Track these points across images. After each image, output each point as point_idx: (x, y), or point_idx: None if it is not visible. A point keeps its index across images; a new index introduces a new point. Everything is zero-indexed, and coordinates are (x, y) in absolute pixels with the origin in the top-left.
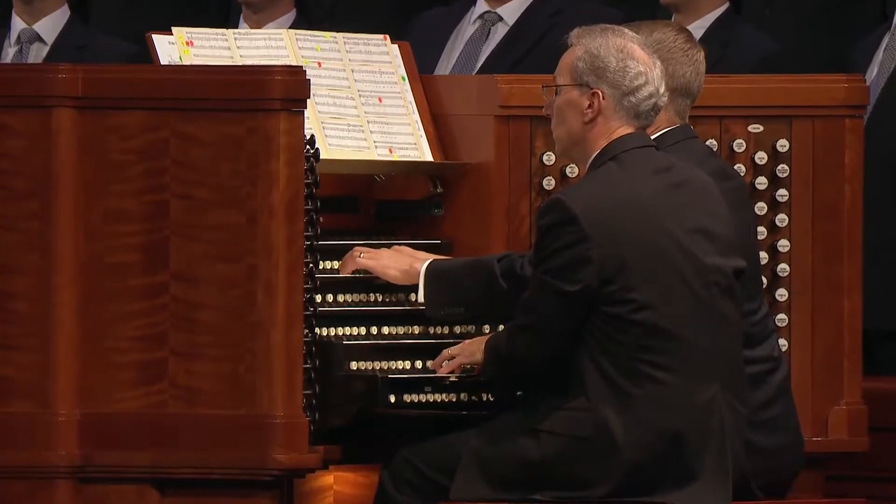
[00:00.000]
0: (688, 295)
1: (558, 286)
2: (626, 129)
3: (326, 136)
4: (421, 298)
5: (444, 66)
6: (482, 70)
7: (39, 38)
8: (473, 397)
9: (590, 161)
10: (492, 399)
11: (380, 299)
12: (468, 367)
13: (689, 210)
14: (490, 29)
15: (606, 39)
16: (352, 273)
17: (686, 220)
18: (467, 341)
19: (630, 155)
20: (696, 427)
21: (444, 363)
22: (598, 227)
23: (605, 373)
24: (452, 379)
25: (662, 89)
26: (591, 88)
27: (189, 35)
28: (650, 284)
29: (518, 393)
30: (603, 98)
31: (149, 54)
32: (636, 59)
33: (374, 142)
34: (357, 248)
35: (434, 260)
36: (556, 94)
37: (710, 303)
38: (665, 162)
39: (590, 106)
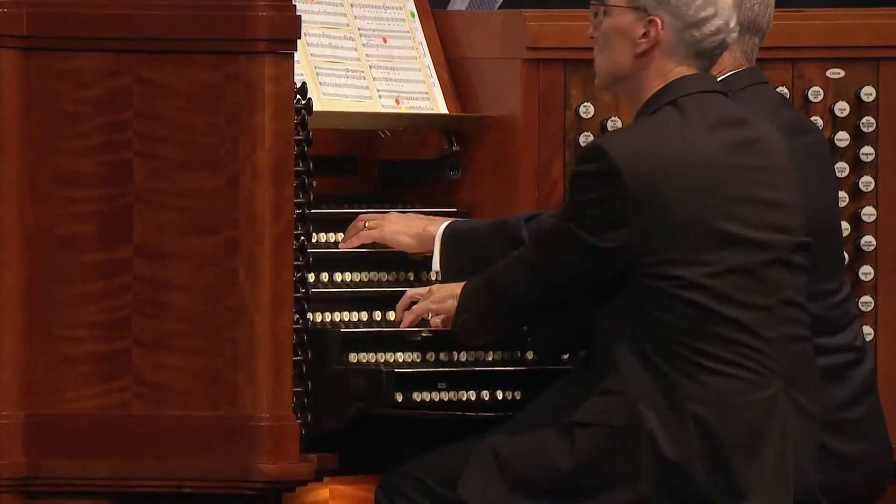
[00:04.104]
0: (744, 273)
1: (583, 237)
2: (685, 70)
3: (321, 83)
4: (436, 266)
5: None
6: (506, 4)
7: None
8: (497, 396)
9: (642, 104)
10: (518, 398)
11: (385, 278)
12: (431, 317)
13: (755, 174)
14: None
15: None
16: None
17: (750, 186)
18: (435, 285)
19: (693, 101)
20: (752, 429)
21: (404, 313)
22: (642, 184)
23: (644, 354)
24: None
25: (733, 23)
26: (649, 14)
27: None
28: (699, 259)
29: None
30: (662, 27)
31: None
32: None
33: (378, 90)
34: (362, 216)
35: (452, 221)
36: (605, 14)
37: (772, 282)
38: (734, 113)
39: (644, 35)
